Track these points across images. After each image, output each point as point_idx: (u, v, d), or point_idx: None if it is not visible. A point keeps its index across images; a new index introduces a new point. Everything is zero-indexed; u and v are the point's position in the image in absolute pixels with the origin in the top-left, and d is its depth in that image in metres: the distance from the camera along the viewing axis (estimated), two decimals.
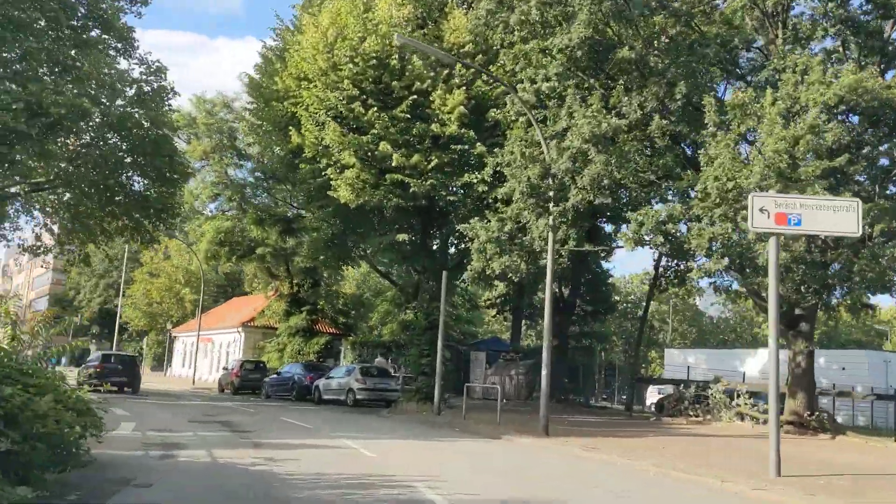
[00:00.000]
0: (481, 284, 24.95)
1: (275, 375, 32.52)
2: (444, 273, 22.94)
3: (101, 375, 29.05)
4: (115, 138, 27.16)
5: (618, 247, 25.51)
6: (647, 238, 16.20)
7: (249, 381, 34.76)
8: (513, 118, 19.24)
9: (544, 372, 17.43)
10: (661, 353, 56.28)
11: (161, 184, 29.18)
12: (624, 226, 19.77)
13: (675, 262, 31.69)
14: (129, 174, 27.80)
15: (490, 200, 21.58)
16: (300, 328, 43.01)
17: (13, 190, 28.77)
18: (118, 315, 72.23)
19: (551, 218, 16.91)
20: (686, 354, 44.36)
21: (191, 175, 32.24)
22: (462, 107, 21.58)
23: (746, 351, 45.52)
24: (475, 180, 21.80)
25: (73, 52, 24.92)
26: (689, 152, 19.64)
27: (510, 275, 18.52)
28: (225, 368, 37.53)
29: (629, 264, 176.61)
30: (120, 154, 27.15)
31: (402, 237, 23.24)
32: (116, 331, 73.12)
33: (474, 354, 37.00)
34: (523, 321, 44.41)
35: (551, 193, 17.07)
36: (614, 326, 57.38)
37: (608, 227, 31.45)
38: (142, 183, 29.39)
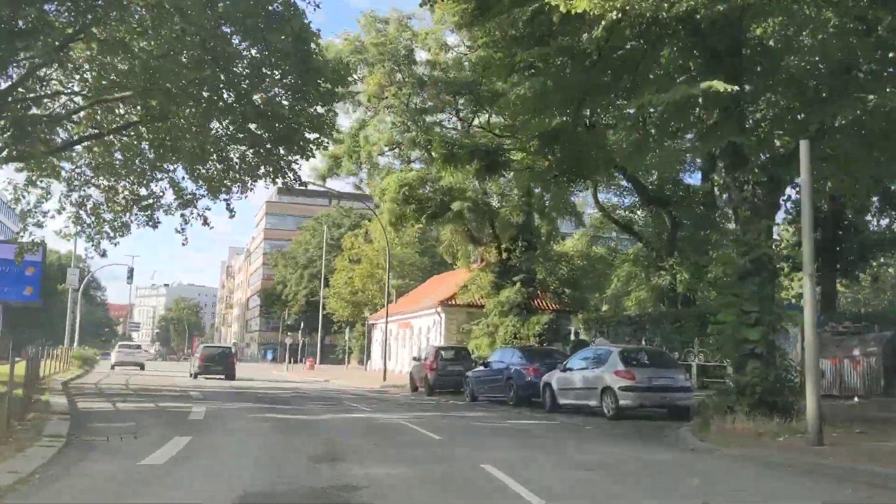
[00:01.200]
0: None
1: (481, 368, 21.89)
2: (805, 143, 10.73)
3: (204, 367, 32.32)
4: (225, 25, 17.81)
5: None
6: None
7: (449, 375, 24.56)
8: None
9: None
10: None
11: (300, 95, 19.57)
12: None
13: None
14: (242, 76, 18.28)
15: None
16: (514, 304, 32.29)
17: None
18: (321, 306, 66.40)
19: None
20: None
21: (345, 83, 22.28)
22: None
23: None
24: None
25: None
26: None
27: None
28: (416, 359, 27.73)
29: None
30: (225, 41, 17.72)
31: (715, 86, 11.10)
32: (320, 324, 67.40)
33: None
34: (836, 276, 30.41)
35: None
36: None
37: None
38: (274, 94, 19.93)
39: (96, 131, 20.44)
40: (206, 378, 31.38)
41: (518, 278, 32.69)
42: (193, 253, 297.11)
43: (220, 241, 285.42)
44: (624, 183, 31.35)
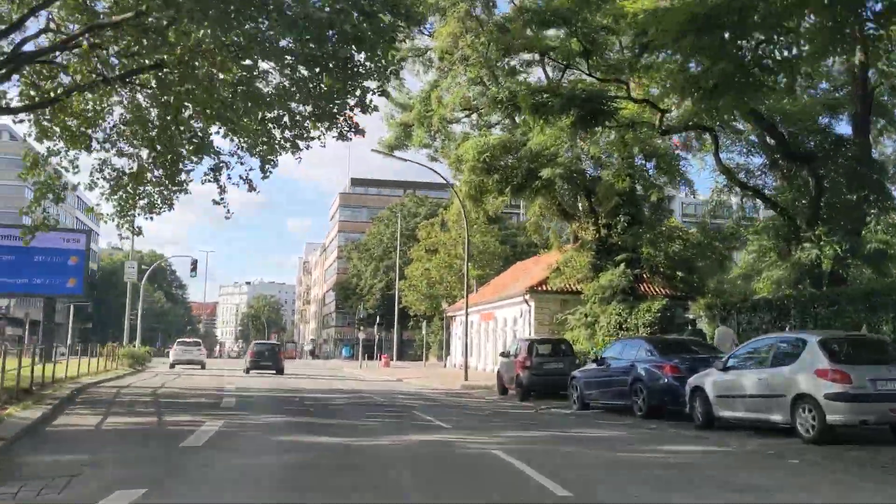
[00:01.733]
0: None
1: (593, 366, 16.75)
2: None
3: (254, 362, 34.27)
4: None
5: None
6: None
7: (547, 374, 19.57)
8: None
9: None
10: None
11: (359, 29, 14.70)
12: None
13: None
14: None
15: None
16: (618, 289, 26.97)
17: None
18: (397, 300, 62.39)
19: None
20: None
21: (412, 16, 17.25)
22: None
23: None
24: None
25: None
26: None
27: None
28: (505, 355, 22.78)
29: None
30: None
31: None
32: (396, 318, 63.38)
33: None
34: None
35: None
36: None
37: None
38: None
39: (101, 77, 16.31)
40: (260, 373, 33.00)
41: (621, 258, 27.38)
42: (275, 252, 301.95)
43: (301, 241, 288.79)
44: (753, 137, 25.66)
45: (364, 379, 32.39)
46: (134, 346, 36.36)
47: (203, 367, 38.45)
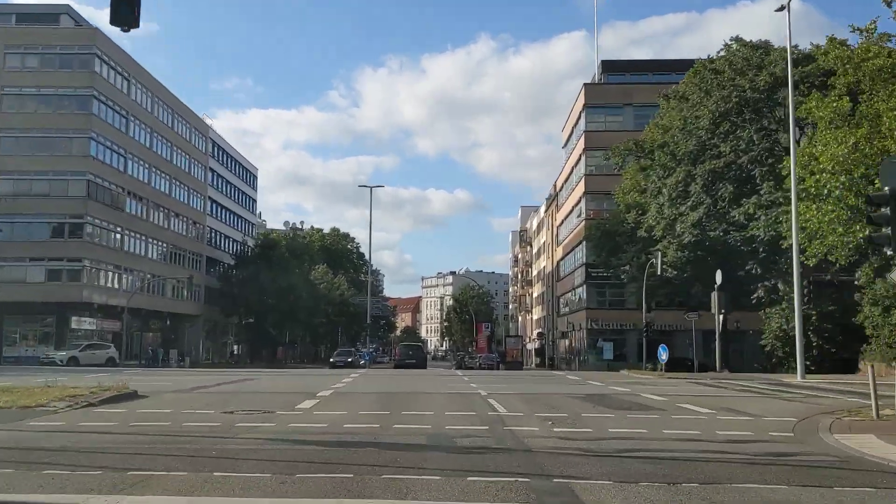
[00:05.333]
0: None
1: None
2: None
3: (401, 360, 49.19)
4: None
5: None
6: None
7: None
8: None
9: None
10: None
11: None
12: None
13: None
14: None
15: None
16: None
17: None
18: (794, 246, 21.66)
19: None
20: None
21: None
22: None
23: None
24: None
25: None
26: None
27: None
28: None
29: None
30: None
31: None
32: (797, 276, 22.48)
33: None
34: None
35: None
36: None
37: None
38: None
39: None
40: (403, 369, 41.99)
41: None
42: (482, 250, 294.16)
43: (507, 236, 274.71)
44: None
45: None
46: None
47: None
